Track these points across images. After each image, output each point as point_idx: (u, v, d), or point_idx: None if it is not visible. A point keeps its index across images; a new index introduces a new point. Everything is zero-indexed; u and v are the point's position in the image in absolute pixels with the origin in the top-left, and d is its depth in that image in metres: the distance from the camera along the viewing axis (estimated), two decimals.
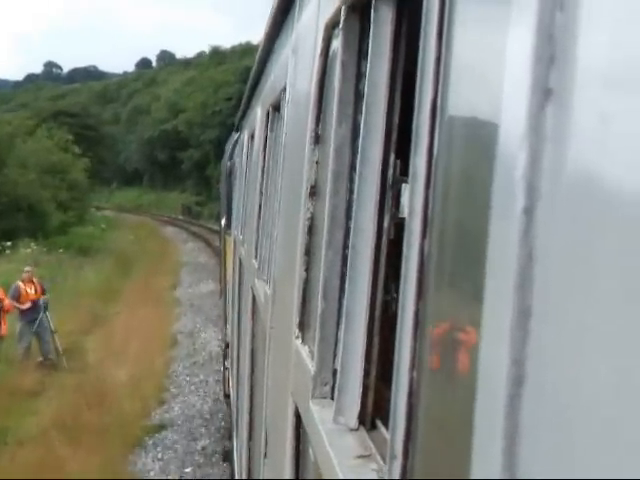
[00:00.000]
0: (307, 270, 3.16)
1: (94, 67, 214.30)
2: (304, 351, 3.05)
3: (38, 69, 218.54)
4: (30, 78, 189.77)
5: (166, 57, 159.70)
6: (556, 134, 0.96)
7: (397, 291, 2.05)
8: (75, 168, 57.92)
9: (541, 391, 0.96)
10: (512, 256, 0.98)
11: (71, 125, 77.60)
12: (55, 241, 43.43)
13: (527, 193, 0.97)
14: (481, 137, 1.23)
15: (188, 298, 32.33)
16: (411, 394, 1.57)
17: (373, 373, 2.40)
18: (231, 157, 17.52)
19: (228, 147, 20.03)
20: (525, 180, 0.98)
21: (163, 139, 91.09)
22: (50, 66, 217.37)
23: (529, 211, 0.97)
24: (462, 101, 1.40)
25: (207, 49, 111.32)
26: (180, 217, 76.98)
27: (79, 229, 52.50)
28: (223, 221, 19.75)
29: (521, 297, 0.97)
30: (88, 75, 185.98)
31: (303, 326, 3.19)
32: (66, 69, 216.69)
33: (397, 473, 1.63)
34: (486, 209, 1.09)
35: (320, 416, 2.55)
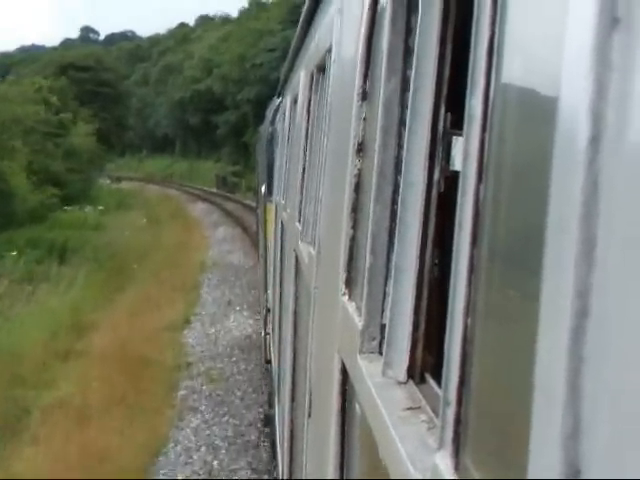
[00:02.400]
0: (354, 227, 3.15)
1: (132, 32, 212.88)
2: (351, 307, 3.05)
3: (75, 34, 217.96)
4: (66, 43, 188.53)
5: (205, 21, 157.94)
6: (623, 64, 0.95)
7: (447, 245, 2.04)
8: (76, 130, 45.26)
9: (605, 323, 0.95)
10: (577, 186, 0.98)
11: (82, 81, 66.13)
12: (11, 237, 28.85)
13: (593, 122, 0.96)
14: (544, 69, 1.22)
15: (203, 356, 18.03)
16: (465, 340, 1.56)
17: (422, 327, 2.40)
18: (272, 123, 17.51)
19: (269, 113, 20.03)
20: (591, 109, 0.97)
21: (195, 101, 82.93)
22: (87, 31, 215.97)
23: (595, 140, 0.96)
24: (522, 35, 1.38)
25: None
26: (213, 190, 68.52)
27: (64, 214, 38.23)
28: (263, 188, 19.77)
29: (586, 227, 0.96)
30: (125, 40, 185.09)
31: (350, 283, 3.18)
32: (103, 34, 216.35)
33: (451, 420, 1.62)
34: (550, 140, 1.08)
35: (368, 370, 2.55)
